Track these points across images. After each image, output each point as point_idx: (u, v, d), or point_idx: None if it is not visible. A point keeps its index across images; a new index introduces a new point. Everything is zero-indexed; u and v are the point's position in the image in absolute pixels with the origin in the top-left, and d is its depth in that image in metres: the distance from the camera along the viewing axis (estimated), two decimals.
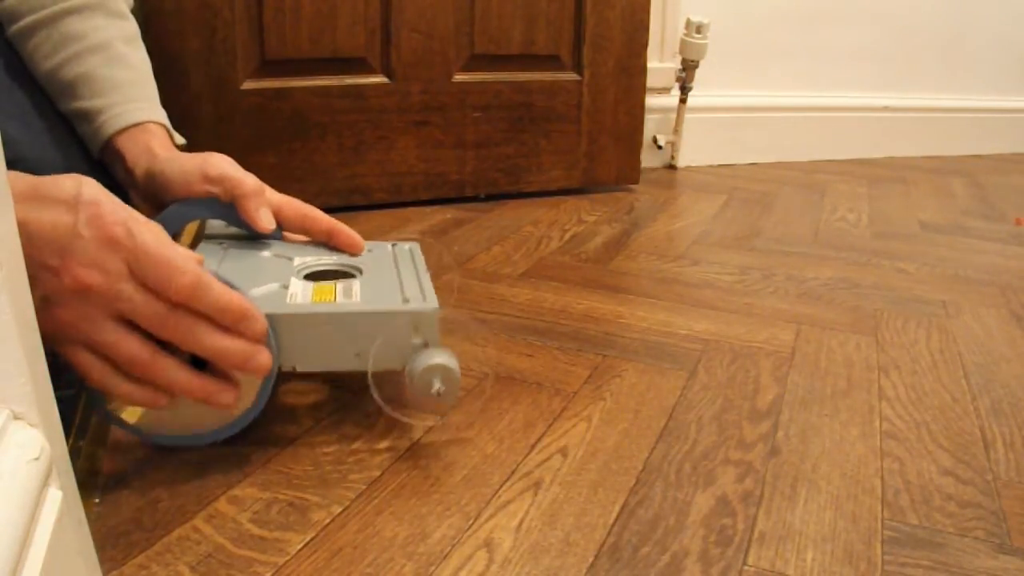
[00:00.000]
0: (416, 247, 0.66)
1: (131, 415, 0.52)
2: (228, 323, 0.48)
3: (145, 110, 0.65)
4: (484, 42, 1.21)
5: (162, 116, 0.66)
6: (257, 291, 0.54)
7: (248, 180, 0.60)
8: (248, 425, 0.53)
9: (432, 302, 0.55)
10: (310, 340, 0.53)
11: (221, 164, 0.60)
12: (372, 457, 0.56)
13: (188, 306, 0.47)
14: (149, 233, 0.46)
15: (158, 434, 0.53)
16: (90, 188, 0.46)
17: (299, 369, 0.54)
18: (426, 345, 0.54)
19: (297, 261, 0.60)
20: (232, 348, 0.48)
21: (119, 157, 0.64)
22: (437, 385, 0.53)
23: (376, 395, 0.56)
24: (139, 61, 0.67)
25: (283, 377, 0.56)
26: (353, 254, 0.62)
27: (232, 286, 0.50)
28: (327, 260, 0.61)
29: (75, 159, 0.64)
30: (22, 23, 0.63)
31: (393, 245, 0.66)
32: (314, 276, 0.59)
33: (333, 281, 0.58)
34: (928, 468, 0.58)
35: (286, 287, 0.55)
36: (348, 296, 0.55)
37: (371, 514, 0.50)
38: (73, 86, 0.63)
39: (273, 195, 0.63)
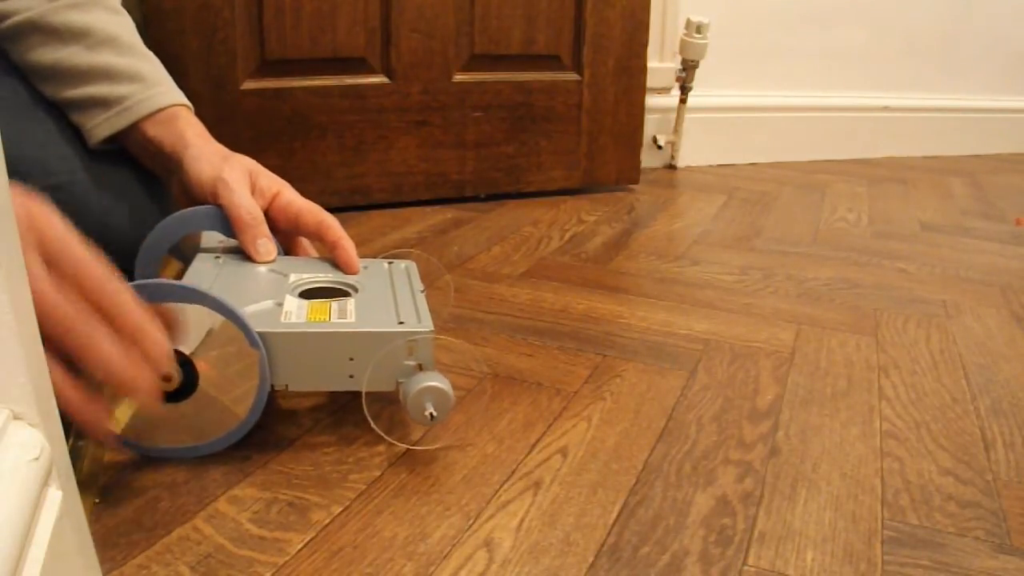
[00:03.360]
0: (412, 266, 0.66)
1: (115, 425, 0.52)
2: (127, 326, 0.43)
3: (169, 93, 0.66)
4: (484, 42, 1.21)
5: (184, 97, 0.67)
6: (251, 308, 0.54)
7: (244, 212, 0.60)
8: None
9: (427, 324, 0.54)
10: (304, 359, 0.53)
11: (231, 185, 0.60)
12: (372, 457, 0.56)
13: (95, 294, 0.42)
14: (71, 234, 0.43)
15: (145, 446, 0.53)
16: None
17: (292, 388, 0.54)
18: (420, 367, 0.54)
19: (293, 278, 0.59)
20: (118, 361, 0.42)
21: (151, 143, 0.64)
22: (430, 408, 0.52)
23: (369, 416, 0.56)
24: (148, 51, 0.68)
25: (275, 394, 0.56)
26: (346, 273, 0.62)
27: (226, 305, 0.50)
28: (323, 277, 0.61)
29: (57, 156, 0.63)
30: (17, 19, 0.63)
31: (389, 263, 0.66)
32: (309, 293, 0.59)
33: (328, 300, 0.57)
34: (928, 468, 0.58)
35: (281, 304, 0.55)
36: (343, 316, 0.55)
37: (371, 514, 0.50)
38: (88, 74, 0.63)
39: (295, 199, 0.63)
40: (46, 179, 0.62)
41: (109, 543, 0.46)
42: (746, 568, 0.47)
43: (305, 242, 0.66)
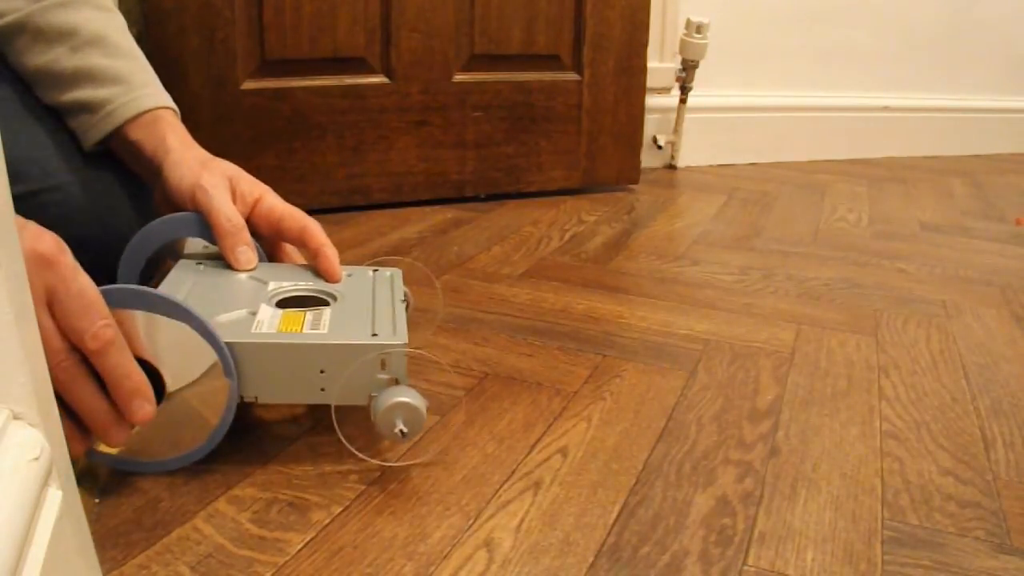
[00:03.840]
0: (398, 274, 0.64)
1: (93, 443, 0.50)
2: (119, 394, 0.46)
3: (153, 96, 0.65)
4: (484, 42, 1.21)
5: (169, 100, 0.66)
6: (223, 317, 0.52)
7: (224, 219, 0.58)
8: (246, 427, 0.53)
9: (402, 337, 0.52)
10: (272, 371, 0.51)
11: (210, 192, 0.59)
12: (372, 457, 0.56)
13: (93, 357, 0.45)
14: (84, 275, 0.45)
15: (131, 462, 0.52)
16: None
17: (261, 400, 0.52)
18: (396, 381, 0.52)
19: (272, 286, 0.58)
20: (99, 411, 0.46)
21: (133, 146, 0.64)
22: (400, 425, 0.51)
23: (339, 432, 0.54)
24: (136, 50, 0.67)
25: (246, 406, 0.54)
26: (328, 281, 0.60)
27: (195, 316, 0.49)
28: (303, 285, 0.59)
29: (55, 157, 0.63)
30: (6, 20, 0.63)
31: (374, 271, 0.64)
32: (287, 302, 0.57)
33: (303, 309, 0.55)
34: (928, 468, 0.58)
35: (254, 314, 0.53)
36: (317, 326, 0.53)
37: (371, 514, 0.50)
38: (73, 78, 0.63)
39: (277, 204, 0.62)
40: (45, 180, 0.62)
41: (109, 543, 0.46)
42: (746, 568, 0.47)
43: (290, 248, 0.65)
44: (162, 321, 0.49)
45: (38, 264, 0.43)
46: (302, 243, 0.61)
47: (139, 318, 0.48)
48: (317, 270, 0.61)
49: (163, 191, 0.62)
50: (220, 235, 0.59)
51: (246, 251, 0.59)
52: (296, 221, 0.61)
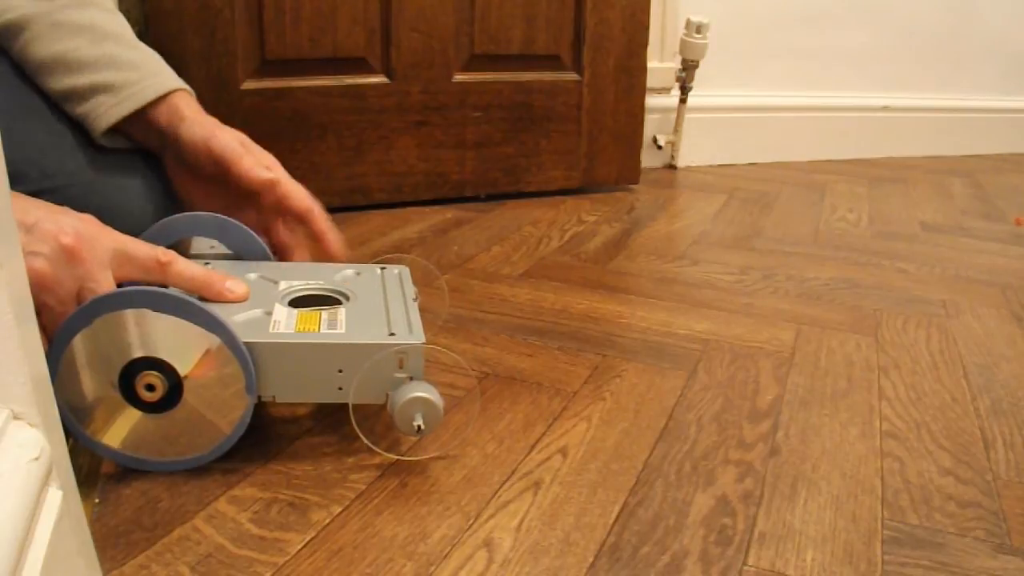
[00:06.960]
0: (406, 271, 0.64)
1: (113, 438, 0.51)
2: (205, 286, 0.54)
3: (172, 80, 0.67)
4: (484, 42, 1.21)
5: (186, 84, 0.69)
6: (239, 317, 0.53)
7: (248, 168, 0.62)
8: (247, 427, 0.53)
9: (418, 335, 0.53)
10: (292, 371, 0.52)
11: (224, 139, 0.62)
12: (372, 457, 0.56)
13: (167, 270, 0.53)
14: (110, 240, 0.52)
15: (135, 459, 0.52)
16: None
17: (279, 400, 0.53)
18: (411, 379, 0.53)
19: (283, 285, 0.58)
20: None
21: (151, 123, 0.65)
22: (418, 420, 0.51)
23: (357, 428, 0.55)
24: (146, 46, 0.69)
25: (262, 405, 0.55)
26: (332, 261, 0.62)
27: (215, 316, 0.49)
28: (314, 284, 0.59)
29: (54, 158, 0.64)
30: (13, 15, 0.63)
31: (382, 268, 0.64)
32: (299, 301, 0.57)
33: (318, 309, 0.56)
34: (928, 468, 0.58)
35: (269, 313, 0.54)
36: (333, 326, 0.53)
37: (371, 514, 0.50)
38: (95, 64, 0.64)
39: (285, 180, 0.64)
40: (41, 182, 0.62)
41: (109, 543, 0.46)
42: (746, 568, 0.47)
43: (284, 231, 0.66)
44: (154, 315, 0.49)
45: (68, 259, 0.48)
46: (306, 222, 0.63)
47: (129, 316, 0.49)
48: (319, 252, 0.62)
49: (176, 152, 0.64)
50: (250, 182, 0.63)
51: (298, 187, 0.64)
52: (301, 200, 0.63)
